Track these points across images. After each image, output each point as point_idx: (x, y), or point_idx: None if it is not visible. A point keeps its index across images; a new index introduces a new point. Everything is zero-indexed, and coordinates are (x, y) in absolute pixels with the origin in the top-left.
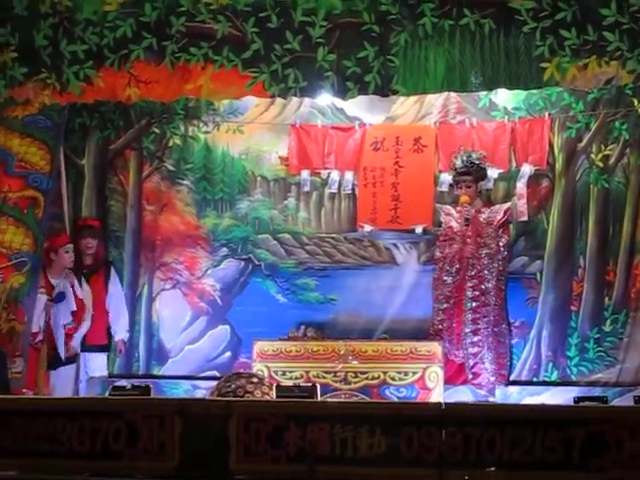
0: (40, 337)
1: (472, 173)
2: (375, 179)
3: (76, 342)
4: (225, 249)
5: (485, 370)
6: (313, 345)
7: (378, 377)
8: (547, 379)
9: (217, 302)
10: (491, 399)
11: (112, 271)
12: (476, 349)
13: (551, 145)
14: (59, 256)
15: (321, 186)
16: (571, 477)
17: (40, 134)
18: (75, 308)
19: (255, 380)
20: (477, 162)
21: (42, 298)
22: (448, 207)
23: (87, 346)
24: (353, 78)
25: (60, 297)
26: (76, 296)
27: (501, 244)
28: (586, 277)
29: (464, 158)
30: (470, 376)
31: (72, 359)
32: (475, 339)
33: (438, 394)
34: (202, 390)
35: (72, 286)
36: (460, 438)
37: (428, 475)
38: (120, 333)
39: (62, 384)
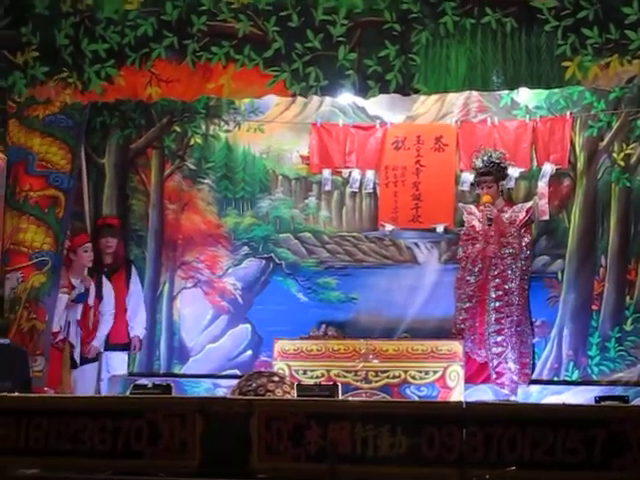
0: (61, 336)
1: (493, 173)
2: (396, 178)
3: (98, 341)
4: (246, 248)
5: (508, 370)
6: (334, 344)
7: (399, 376)
8: (568, 378)
9: (238, 301)
10: (513, 398)
11: (133, 270)
12: (500, 349)
13: (572, 144)
14: (78, 256)
15: (342, 185)
16: (592, 477)
17: (61, 133)
18: (79, 317)
19: (276, 379)
20: (497, 162)
21: (63, 297)
22: (470, 206)
23: (109, 345)
24: (374, 77)
25: (81, 297)
26: (87, 304)
27: (524, 243)
28: (607, 276)
29: (484, 158)
30: (494, 376)
31: (94, 358)
32: (499, 339)
33: (459, 393)
34: (223, 389)
35: (87, 291)
36: (481, 437)
37: (449, 474)
38: (137, 330)
39: (84, 382)
